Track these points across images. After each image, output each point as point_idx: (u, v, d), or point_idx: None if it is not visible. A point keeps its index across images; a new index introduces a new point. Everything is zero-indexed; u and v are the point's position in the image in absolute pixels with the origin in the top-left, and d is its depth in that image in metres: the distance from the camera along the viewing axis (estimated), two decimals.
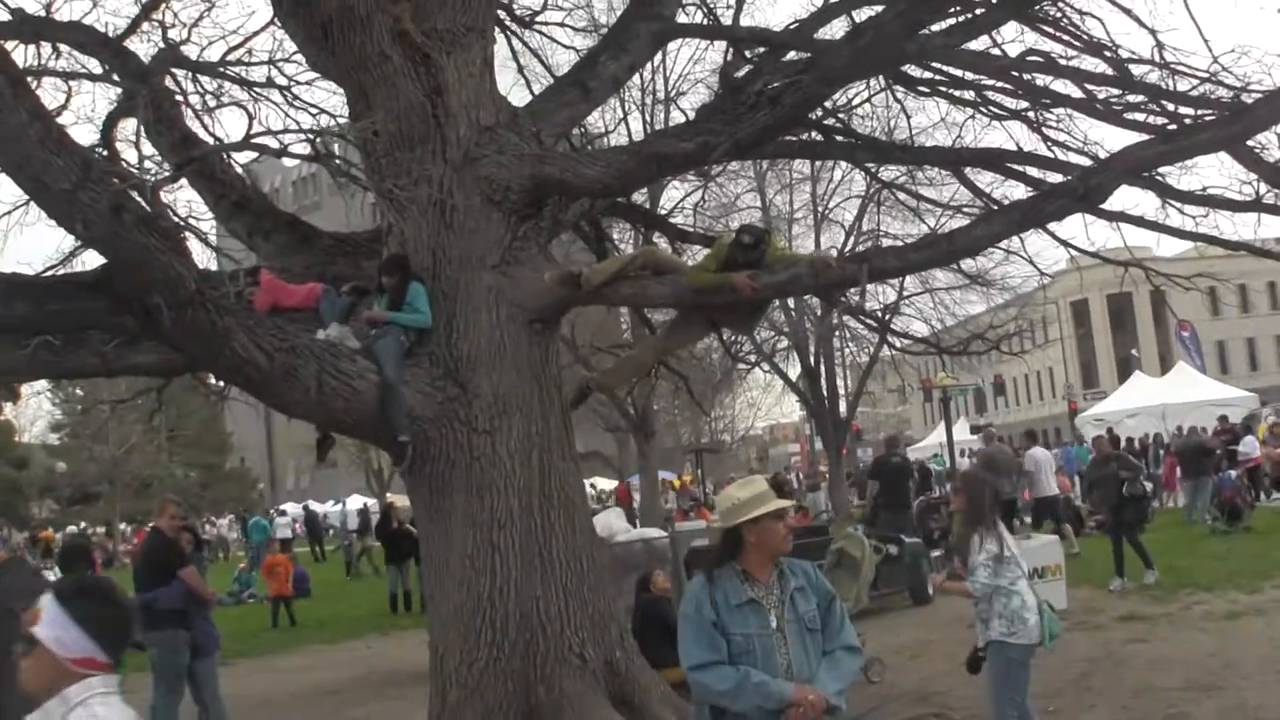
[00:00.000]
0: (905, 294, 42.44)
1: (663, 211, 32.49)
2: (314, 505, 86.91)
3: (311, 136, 12.04)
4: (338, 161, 12.54)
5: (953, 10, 13.09)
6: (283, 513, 72.99)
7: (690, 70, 61.48)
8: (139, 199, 9.89)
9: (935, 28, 13.00)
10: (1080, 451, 47.94)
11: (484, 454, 12.50)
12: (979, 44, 14.61)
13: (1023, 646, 11.16)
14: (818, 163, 43.02)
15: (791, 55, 14.79)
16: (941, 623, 20.44)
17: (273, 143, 11.42)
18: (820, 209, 47.52)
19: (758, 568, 7.29)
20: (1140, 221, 14.24)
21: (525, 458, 12.72)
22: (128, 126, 16.14)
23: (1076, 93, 14.73)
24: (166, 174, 13.20)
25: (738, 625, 7.15)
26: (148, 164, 14.30)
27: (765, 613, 7.19)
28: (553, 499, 12.90)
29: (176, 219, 13.84)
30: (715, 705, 7.22)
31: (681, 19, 15.64)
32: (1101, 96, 14.57)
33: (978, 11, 13.24)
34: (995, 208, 15.85)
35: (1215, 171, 14.27)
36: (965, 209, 19.87)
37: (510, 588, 12.37)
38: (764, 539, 7.28)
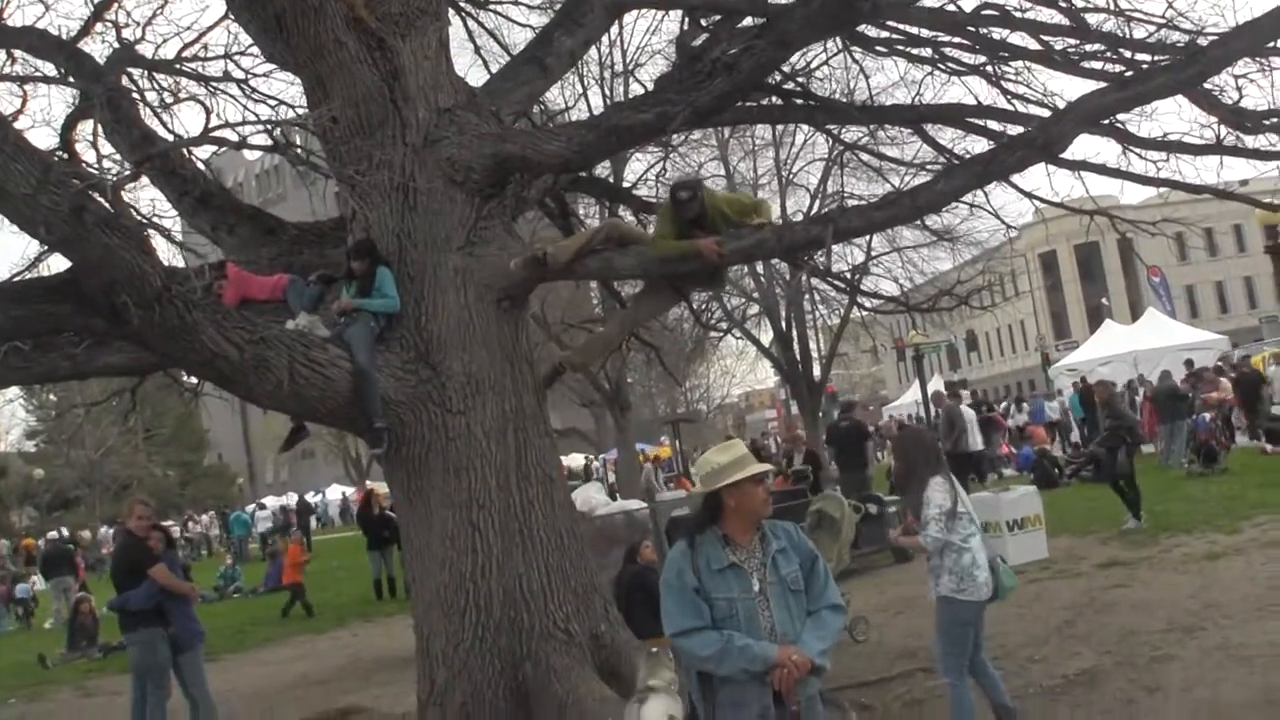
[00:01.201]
0: (873, 254, 42.53)
1: (626, 184, 32.40)
2: (293, 497, 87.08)
3: (270, 127, 12.03)
4: (298, 151, 12.54)
5: None
6: (263, 507, 72.90)
7: (647, 42, 61.54)
8: (100, 199, 9.87)
9: None
10: (1073, 400, 48.08)
11: (459, 434, 12.49)
12: (933, 1, 14.66)
13: (971, 604, 11.20)
14: (779, 128, 42.96)
15: (747, 22, 14.83)
16: (923, 580, 20.53)
17: (232, 135, 11.35)
18: (784, 174, 47.44)
19: (739, 532, 7.33)
20: (1102, 170, 14.31)
21: (501, 436, 12.71)
22: (86, 128, 16.14)
23: (1034, 45, 14.75)
24: (127, 173, 13.16)
25: (720, 590, 7.20)
26: (108, 164, 14.30)
27: (747, 576, 7.24)
28: (530, 476, 12.88)
29: (140, 217, 13.82)
30: (701, 671, 7.27)
31: None
32: (1059, 47, 14.59)
33: None
34: (956, 162, 15.88)
35: (1175, 118, 14.41)
36: (928, 166, 19.94)
37: (492, 566, 12.37)
38: (744, 503, 7.32)
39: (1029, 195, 16.82)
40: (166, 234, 15.05)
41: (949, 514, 11.11)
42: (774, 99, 15.93)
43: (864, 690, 14.03)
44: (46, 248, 12.39)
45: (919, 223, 25.68)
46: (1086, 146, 15.07)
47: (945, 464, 11.86)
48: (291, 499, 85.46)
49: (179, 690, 15.67)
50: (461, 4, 18.70)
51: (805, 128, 40.67)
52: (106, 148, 14.93)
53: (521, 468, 12.82)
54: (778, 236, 12.72)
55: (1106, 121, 13.07)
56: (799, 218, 36.93)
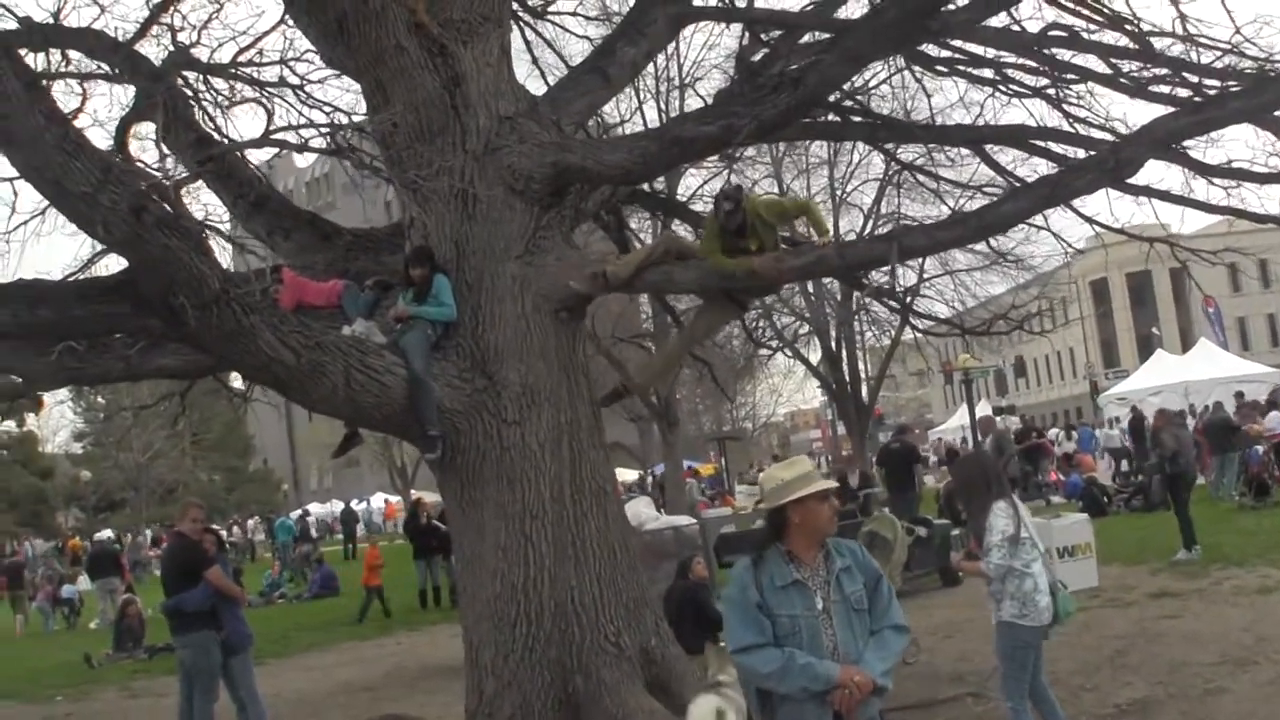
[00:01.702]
0: (925, 276, 42.35)
1: (680, 199, 32.30)
2: (337, 504, 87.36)
3: (331, 131, 12.00)
4: (360, 155, 12.52)
5: None
6: (307, 514, 73.07)
7: (704, 56, 61.53)
8: (159, 200, 9.85)
9: (956, 4, 12.92)
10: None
11: (514, 445, 12.44)
12: (997, 21, 14.56)
13: (1032, 629, 11.07)
14: (835, 146, 42.89)
15: (807, 38, 14.75)
16: (972, 603, 20.31)
17: (293, 138, 11.33)
18: (838, 192, 47.35)
19: (803, 549, 7.23)
20: (1166, 196, 14.16)
21: (555, 447, 12.65)
22: (141, 131, 16.13)
23: (1098, 68, 14.63)
24: (186, 174, 13.15)
25: (783, 607, 7.10)
26: (164, 166, 14.30)
27: (811, 594, 7.14)
28: (584, 488, 12.82)
29: (197, 220, 13.81)
30: (761, 688, 7.18)
31: (698, 2, 15.53)
32: (1124, 71, 14.48)
33: None
34: (1019, 185, 15.75)
35: (1239, 145, 14.31)
36: (985, 189, 19.79)
37: (544, 577, 12.31)
38: (809, 519, 7.22)
39: (1090, 220, 16.68)
40: (226, 236, 15.00)
41: (1011, 539, 10.98)
42: (833, 116, 15.86)
43: (913, 713, 13.91)
44: (103, 248, 12.36)
45: (977, 245, 25.56)
46: (1148, 173, 14.96)
47: (1008, 488, 11.72)
48: (336, 506, 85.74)
49: (226, 694, 15.64)
50: (520, 13, 18.64)
51: (860, 147, 40.63)
52: (157, 152, 14.90)
53: (575, 480, 12.76)
54: (839, 254, 12.67)
55: (1175, 146, 12.92)
56: (851, 237, 36.87)
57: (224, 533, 60.14)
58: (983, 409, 61.08)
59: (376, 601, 32.90)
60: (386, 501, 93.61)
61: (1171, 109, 13.32)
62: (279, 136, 11.46)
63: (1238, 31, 13.78)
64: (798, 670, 6.96)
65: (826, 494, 7.34)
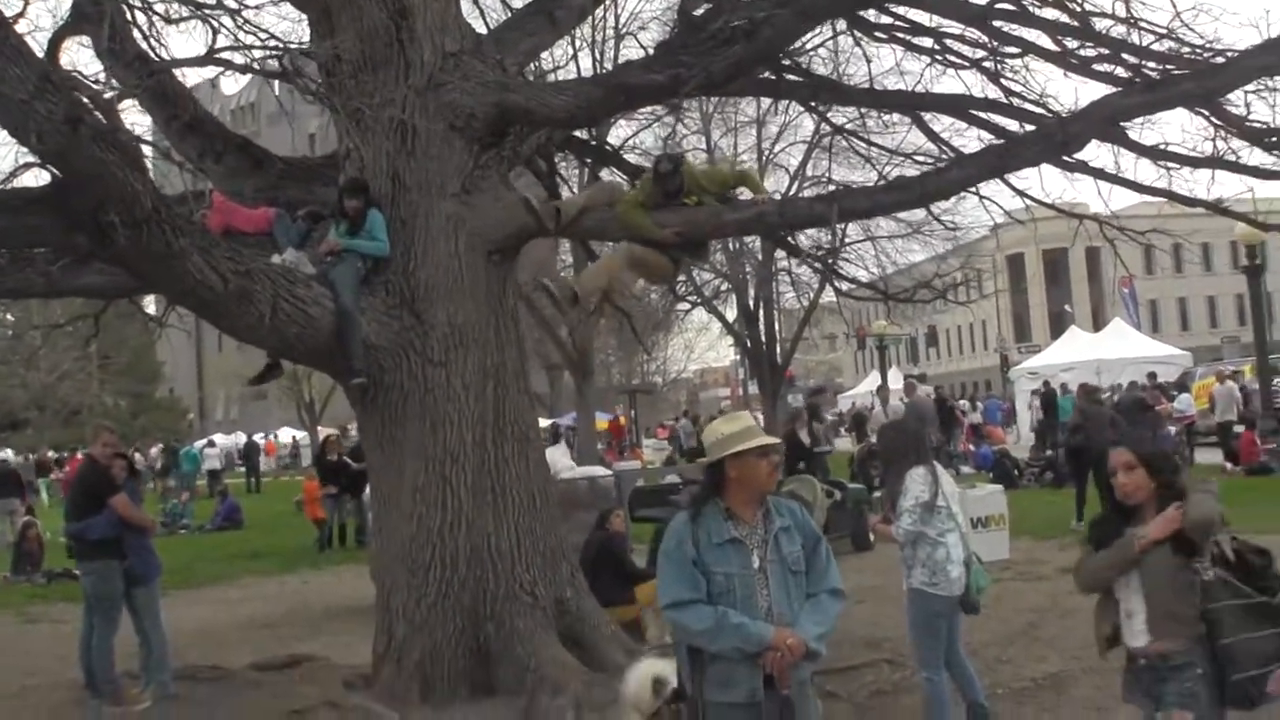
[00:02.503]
0: (847, 240, 42.34)
1: (610, 148, 32.18)
2: (242, 436, 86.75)
3: (279, 53, 11.77)
4: (307, 81, 12.31)
5: None
6: (212, 444, 72.42)
7: (641, 7, 61.27)
8: (96, 113, 9.62)
9: None
10: (1065, 402, 48.02)
11: (438, 385, 12.33)
12: None
13: (943, 598, 11.00)
14: (765, 106, 42.76)
15: None
16: (886, 568, 20.35)
17: (237, 59, 11.10)
18: (766, 153, 47.29)
19: (742, 505, 7.10)
20: (1103, 174, 14.17)
21: (480, 390, 12.55)
22: (71, 45, 15.76)
23: (1040, 42, 14.65)
24: (122, 89, 12.88)
25: (719, 564, 6.97)
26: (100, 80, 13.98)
27: (748, 552, 7.01)
28: (506, 433, 12.73)
29: (134, 135, 13.53)
30: (692, 645, 7.08)
31: None
32: (1067, 47, 14.50)
33: None
34: (953, 155, 15.73)
35: (1174, 129, 14.48)
36: (916, 156, 19.76)
37: (461, 522, 12.23)
38: (747, 475, 7.09)
39: (1021, 194, 16.67)
40: (165, 154, 14.69)
41: (926, 506, 10.91)
42: (771, 75, 15.76)
43: (829, 678, 13.87)
44: (31, 160, 12.07)
45: (910, 211, 25.57)
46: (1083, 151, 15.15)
47: (930, 455, 11.66)
48: (241, 438, 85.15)
49: (128, 624, 15.38)
50: None
51: (791, 109, 40.54)
52: (89, 67, 14.58)
53: (499, 424, 12.67)
54: (779, 210, 12.62)
55: (1117, 125, 12.93)
56: (777, 198, 36.84)
57: (138, 457, 59.44)
58: (894, 376, 61.40)
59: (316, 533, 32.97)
60: (266, 440, 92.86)
61: (1111, 88, 13.36)
62: (223, 56, 11.19)
63: (1177, 16, 13.85)
64: (730, 629, 6.85)
65: (766, 450, 7.21)
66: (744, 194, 13.40)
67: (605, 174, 21.43)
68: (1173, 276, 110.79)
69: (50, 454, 72.41)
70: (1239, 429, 37.37)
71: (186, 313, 13.93)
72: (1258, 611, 6.98)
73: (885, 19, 15.50)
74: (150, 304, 24.15)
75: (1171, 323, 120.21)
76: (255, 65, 12.78)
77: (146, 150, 15.37)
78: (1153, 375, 46.05)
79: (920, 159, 18.60)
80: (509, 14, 17.39)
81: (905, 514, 10.91)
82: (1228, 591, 6.99)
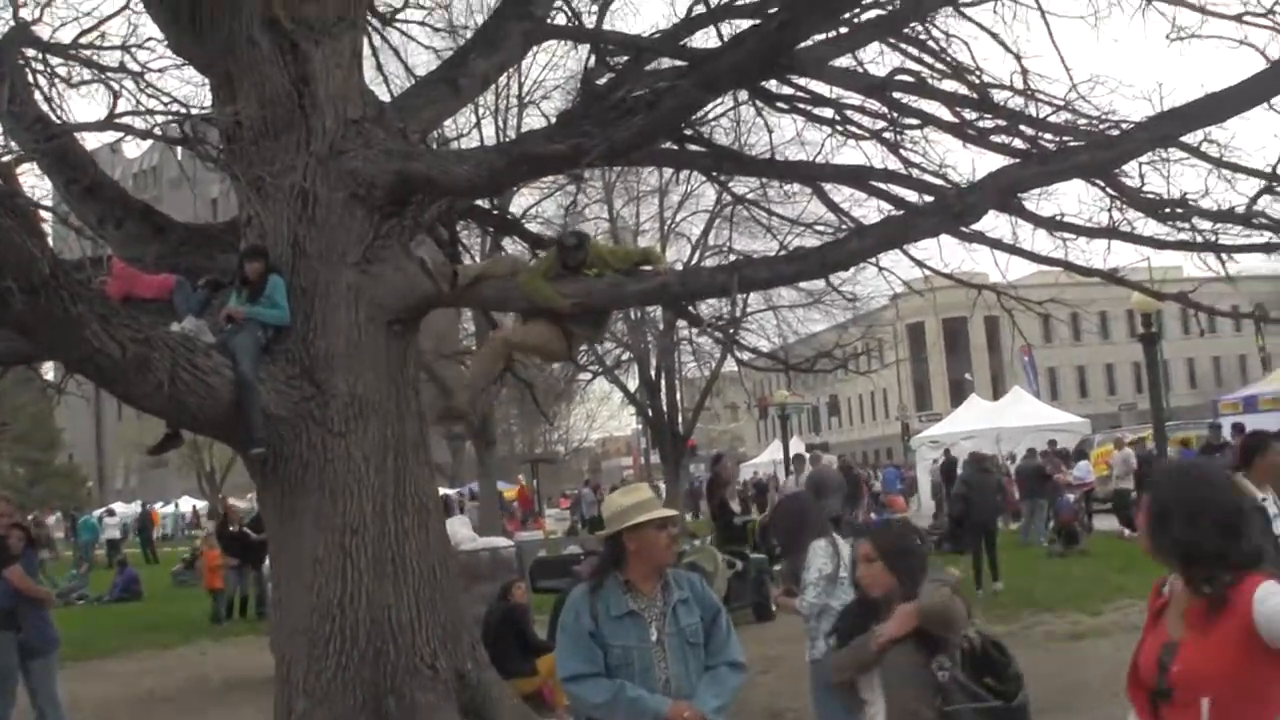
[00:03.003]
0: (749, 310, 42.53)
1: (512, 216, 32.23)
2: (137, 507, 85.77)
3: (180, 119, 11.70)
4: (209, 148, 12.24)
5: (831, 25, 13.11)
6: (112, 513, 71.51)
7: (544, 76, 61.46)
8: None
9: (809, 41, 13.00)
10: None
11: (338, 456, 12.20)
12: (843, 61, 14.70)
13: None
14: (667, 175, 42.99)
15: (653, 65, 14.75)
16: (787, 638, 20.38)
17: (138, 123, 11.01)
18: (668, 222, 47.55)
19: (641, 578, 7.09)
20: (999, 244, 14.34)
21: (380, 461, 12.43)
22: None
23: (939, 114, 14.82)
24: (21, 152, 12.77)
25: (617, 637, 6.96)
26: None
27: (646, 625, 7.00)
28: (406, 504, 12.61)
29: (31, 199, 13.38)
30: (591, 718, 7.04)
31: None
32: (965, 119, 14.69)
33: (865, 17, 13.29)
34: (853, 225, 15.87)
35: (1069, 199, 14.70)
36: (816, 226, 19.90)
37: (361, 594, 12.08)
38: (645, 548, 7.08)
39: (920, 264, 16.85)
40: (64, 219, 14.54)
41: (829, 578, 10.92)
42: (673, 145, 15.85)
43: None
44: None
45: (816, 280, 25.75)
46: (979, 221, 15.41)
47: (828, 527, 11.69)
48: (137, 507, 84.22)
49: (24, 698, 15.09)
50: (369, 18, 18.41)
51: (693, 178, 40.78)
52: None
53: (399, 495, 12.55)
54: (681, 281, 12.64)
55: (1014, 196, 13.10)
56: (679, 268, 36.96)
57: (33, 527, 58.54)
58: (796, 445, 61.61)
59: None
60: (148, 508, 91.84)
61: (1010, 159, 13.54)
62: (124, 121, 11.11)
63: (1074, 88, 14.10)
64: (627, 703, 6.82)
65: (665, 522, 7.21)
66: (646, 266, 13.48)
67: (507, 242, 21.47)
68: (1071, 345, 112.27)
69: None
70: (1135, 495, 37.77)
71: (86, 380, 13.78)
72: (993, 715, 6.90)
73: (787, 89, 15.63)
74: (49, 370, 23.87)
75: (1070, 390, 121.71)
76: (157, 130, 12.71)
77: (45, 215, 15.26)
78: (1052, 443, 46.52)
79: (821, 228, 18.79)
80: (412, 81, 17.36)
81: (809, 587, 10.89)
82: (965, 694, 6.90)
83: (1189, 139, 12.88)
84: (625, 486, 7.81)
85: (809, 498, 14.03)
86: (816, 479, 33.19)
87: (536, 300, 12.51)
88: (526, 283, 12.59)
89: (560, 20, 16.61)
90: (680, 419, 51.74)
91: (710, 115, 18.17)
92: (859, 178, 15.70)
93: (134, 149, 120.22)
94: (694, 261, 42.67)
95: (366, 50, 16.68)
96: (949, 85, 15.00)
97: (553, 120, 19.30)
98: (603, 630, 6.99)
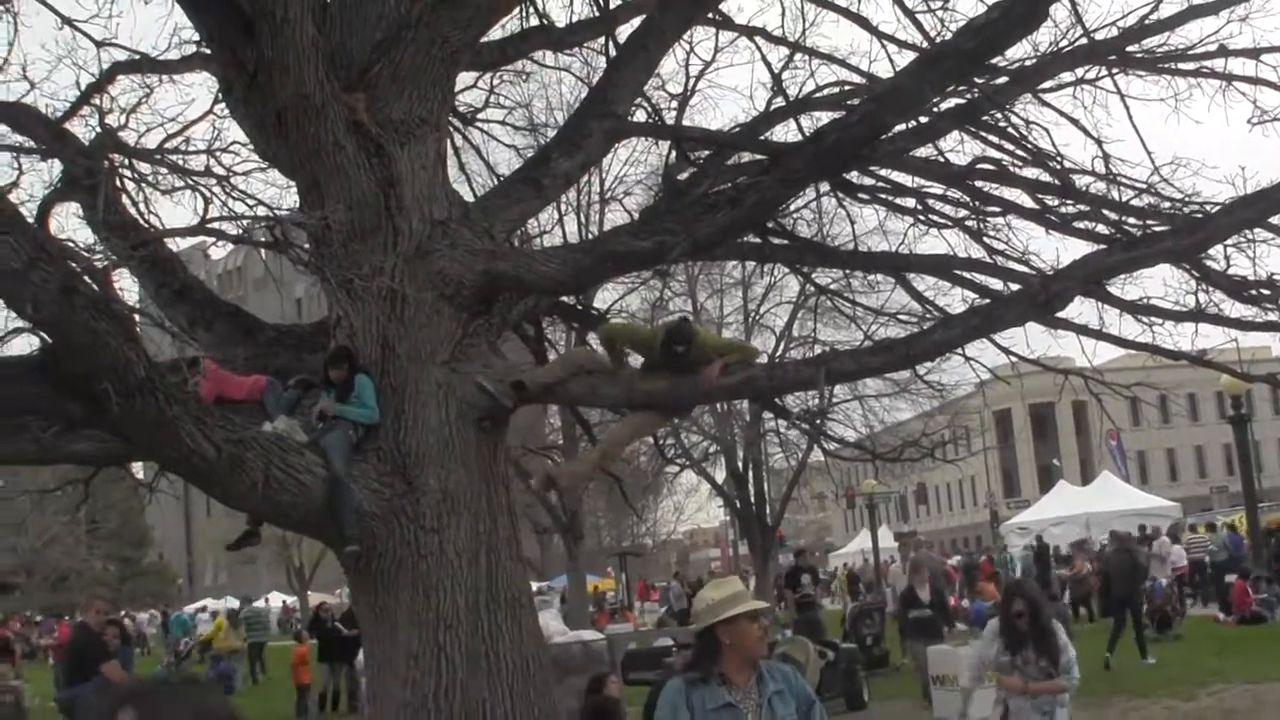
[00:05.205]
0: (834, 400, 42.43)
1: (597, 311, 32.41)
2: (232, 600, 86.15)
3: (270, 224, 11.90)
4: (299, 250, 12.43)
5: (910, 116, 13.20)
6: (204, 610, 72.04)
7: (625, 172, 61.89)
8: (89, 282, 9.73)
9: (890, 134, 13.09)
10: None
11: (431, 552, 12.29)
12: (924, 151, 14.78)
13: None
14: (749, 267, 43.04)
15: (734, 159, 14.87)
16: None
17: (229, 228, 11.22)
18: (753, 314, 47.57)
19: (735, 670, 7.15)
20: (1086, 330, 14.30)
21: (473, 557, 12.51)
22: (60, 210, 15.91)
23: (1022, 201, 14.85)
24: (116, 257, 13.02)
25: None
26: (92, 247, 14.11)
27: (742, 716, 7.05)
28: (499, 599, 12.67)
29: (127, 304, 13.64)
30: None
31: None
32: (1048, 205, 14.71)
33: (944, 106, 13.40)
34: (939, 314, 15.88)
35: (1154, 283, 14.61)
36: (900, 315, 19.93)
37: (456, 688, 12.14)
38: (738, 640, 7.14)
39: (1006, 351, 16.80)
40: (158, 323, 14.79)
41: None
42: (755, 237, 15.95)
43: None
44: (22, 328, 12.15)
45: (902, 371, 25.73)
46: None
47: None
48: (232, 603, 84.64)
49: None
50: (451, 119, 18.66)
51: (777, 269, 40.79)
52: (79, 232, 14.73)
53: (491, 590, 12.61)
54: (768, 375, 12.70)
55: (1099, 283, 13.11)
56: (763, 359, 36.99)
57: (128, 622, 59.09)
58: (884, 534, 61.34)
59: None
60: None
61: (1093, 244, 13.56)
62: (214, 226, 11.34)
63: (1156, 172, 14.12)
64: None
65: (756, 614, 7.27)
66: None
67: (592, 338, 21.57)
68: (1160, 428, 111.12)
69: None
70: (1231, 578, 37.39)
71: (176, 478, 13.95)
72: None
73: (868, 180, 15.70)
74: (139, 469, 24.16)
75: (1160, 473, 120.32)
76: (246, 235, 12.94)
77: (138, 318, 15.51)
78: (1142, 527, 46.12)
79: (905, 318, 18.74)
80: (495, 180, 17.57)
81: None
82: None
83: (1274, 219, 12.88)
84: (715, 580, 7.87)
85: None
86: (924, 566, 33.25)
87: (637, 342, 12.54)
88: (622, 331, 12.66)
89: (640, 117, 16.78)
90: (768, 510, 51.51)
91: (792, 207, 18.31)
92: (942, 267, 15.72)
93: (219, 251, 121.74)
94: (779, 353, 42.64)
95: (449, 150, 16.94)
96: (1030, 172, 15.04)
97: (635, 216, 19.46)
98: None
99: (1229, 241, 13.19)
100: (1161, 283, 13.85)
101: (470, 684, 12.19)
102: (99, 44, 15.69)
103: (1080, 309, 14.03)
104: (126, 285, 16.17)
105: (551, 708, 12.92)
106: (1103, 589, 30.16)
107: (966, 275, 15.42)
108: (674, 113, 17.27)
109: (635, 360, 13.29)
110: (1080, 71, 14.83)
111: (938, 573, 33.63)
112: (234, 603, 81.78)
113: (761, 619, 7.34)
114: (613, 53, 15.92)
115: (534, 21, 16.34)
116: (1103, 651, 28.72)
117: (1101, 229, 14.33)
